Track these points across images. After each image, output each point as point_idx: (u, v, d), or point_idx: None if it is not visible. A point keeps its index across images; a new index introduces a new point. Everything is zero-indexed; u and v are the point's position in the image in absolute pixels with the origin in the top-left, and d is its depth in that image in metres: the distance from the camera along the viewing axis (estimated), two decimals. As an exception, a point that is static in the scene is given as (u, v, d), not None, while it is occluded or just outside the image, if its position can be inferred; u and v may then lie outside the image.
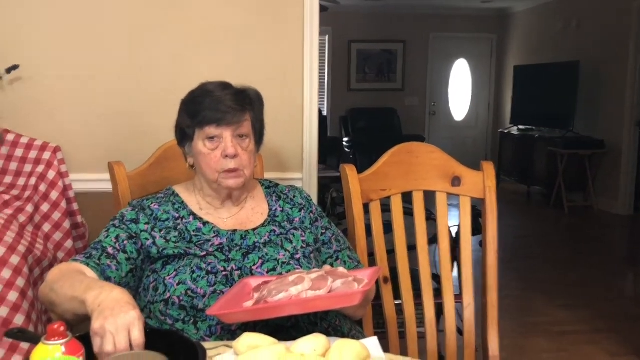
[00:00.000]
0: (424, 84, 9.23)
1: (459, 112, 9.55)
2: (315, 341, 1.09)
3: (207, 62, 2.29)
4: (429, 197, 1.80)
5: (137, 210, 1.44)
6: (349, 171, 1.75)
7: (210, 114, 1.40)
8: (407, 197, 1.80)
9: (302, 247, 1.47)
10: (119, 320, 1.01)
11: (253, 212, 1.52)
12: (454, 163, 1.81)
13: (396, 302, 1.74)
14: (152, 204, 1.46)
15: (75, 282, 1.18)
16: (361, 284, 1.22)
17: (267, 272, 1.40)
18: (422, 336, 1.73)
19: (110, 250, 1.35)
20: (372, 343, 1.15)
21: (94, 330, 1.00)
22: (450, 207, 1.79)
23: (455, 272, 1.92)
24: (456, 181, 1.79)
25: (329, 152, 6.69)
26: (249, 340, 1.10)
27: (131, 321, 1.03)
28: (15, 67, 2.18)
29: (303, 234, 1.50)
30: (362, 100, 8.88)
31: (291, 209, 1.55)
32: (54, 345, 0.77)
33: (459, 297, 1.78)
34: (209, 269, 1.36)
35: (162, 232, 1.40)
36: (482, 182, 1.79)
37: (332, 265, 1.54)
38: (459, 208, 1.79)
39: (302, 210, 1.56)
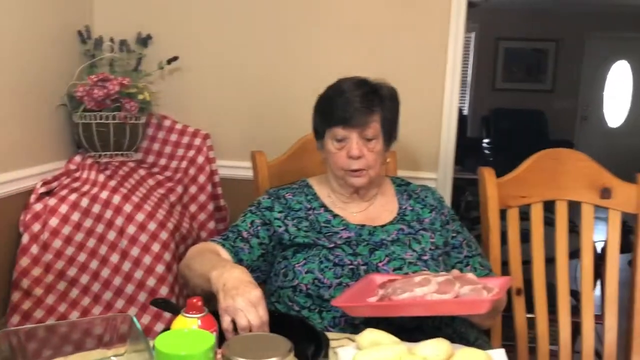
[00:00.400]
0: (576, 86, 8.60)
1: (615, 118, 8.79)
2: (438, 346, 1.07)
3: (350, 55, 2.32)
4: (573, 209, 1.68)
5: (272, 198, 1.50)
6: (487, 175, 1.69)
7: (338, 115, 1.43)
8: (548, 207, 1.70)
9: (430, 249, 1.44)
10: (246, 297, 1.07)
11: (382, 209, 1.53)
12: (605, 173, 1.68)
13: (528, 316, 1.65)
14: (286, 193, 1.52)
15: (204, 260, 1.27)
16: (491, 292, 1.17)
17: (393, 271, 1.39)
18: (554, 354, 1.63)
19: (244, 234, 1.43)
20: (498, 355, 1.11)
21: (223, 307, 1.07)
22: (596, 221, 1.66)
23: (597, 291, 1.78)
24: (606, 193, 1.66)
25: (467, 153, 6.47)
26: (372, 336, 1.11)
27: (257, 300, 1.08)
28: (175, 59, 2.37)
29: (432, 235, 1.48)
30: (507, 100, 8.47)
31: (421, 209, 1.53)
32: (191, 318, 0.83)
33: (599, 318, 1.65)
34: (336, 260, 1.38)
35: (294, 221, 1.45)
36: (636, 196, 1.64)
37: (461, 270, 1.49)
38: (607, 222, 1.65)
39: (433, 212, 1.53)
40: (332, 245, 1.41)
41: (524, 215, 1.70)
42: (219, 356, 0.77)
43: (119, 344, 1.03)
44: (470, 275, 1.25)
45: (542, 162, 1.70)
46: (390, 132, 1.49)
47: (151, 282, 2.02)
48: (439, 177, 2.37)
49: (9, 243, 2.05)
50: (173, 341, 0.75)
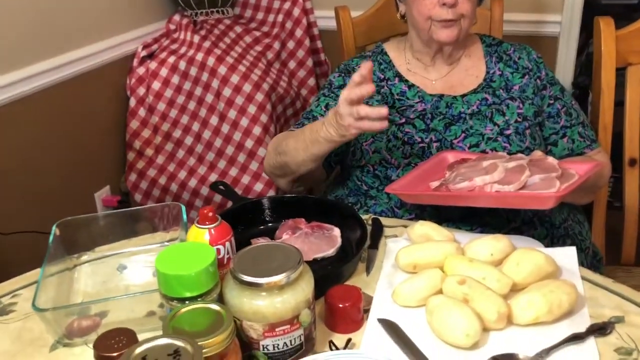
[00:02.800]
0: None
1: None
2: (494, 244, 0.97)
3: None
4: None
5: (343, 75, 1.38)
6: (604, 25, 1.40)
7: None
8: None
9: (515, 121, 1.27)
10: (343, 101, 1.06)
11: (467, 74, 1.35)
12: None
13: None
14: (357, 64, 1.39)
15: (298, 135, 1.24)
16: (567, 181, 1.02)
17: (469, 148, 1.26)
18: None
19: (320, 119, 1.34)
20: (566, 254, 0.99)
21: (347, 126, 1.07)
22: None
23: None
24: None
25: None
26: (423, 229, 1.03)
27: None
28: None
29: (521, 105, 1.29)
30: None
31: (512, 73, 1.32)
32: (202, 229, 0.82)
33: None
34: (406, 139, 1.27)
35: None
36: None
37: (556, 143, 1.32)
38: None
39: (526, 76, 1.32)
40: (402, 121, 1.29)
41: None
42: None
43: (175, 227, 1.09)
44: (551, 160, 1.09)
45: (680, 6, 1.37)
46: None
47: (249, 143, 2.07)
48: (565, 22, 2.04)
49: (119, 107, 2.18)
50: (174, 257, 0.75)
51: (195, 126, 2.12)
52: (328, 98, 1.37)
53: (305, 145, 1.20)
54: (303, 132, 1.23)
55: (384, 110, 1.04)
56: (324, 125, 1.15)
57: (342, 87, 1.36)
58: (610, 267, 1.46)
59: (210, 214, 0.81)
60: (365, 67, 1.04)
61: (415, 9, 1.28)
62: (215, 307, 0.72)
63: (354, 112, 1.06)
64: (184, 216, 1.03)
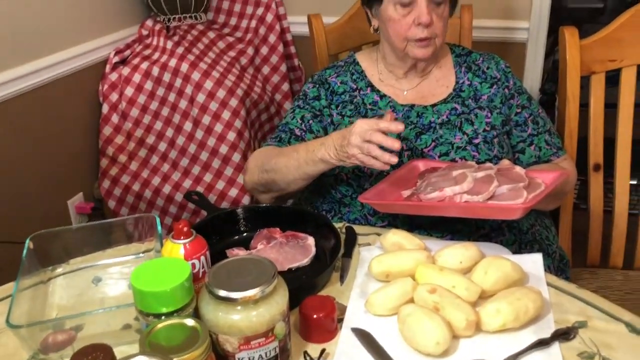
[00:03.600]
0: None
1: None
2: (463, 252, 1.00)
3: None
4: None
5: (317, 86, 1.40)
6: (569, 35, 1.44)
7: None
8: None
9: (484, 130, 1.30)
10: (356, 133, 1.07)
11: (437, 84, 1.38)
12: None
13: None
14: (330, 76, 1.41)
15: (290, 153, 1.25)
16: (534, 191, 1.05)
17: (439, 157, 1.29)
18: (631, 239, 1.49)
19: (297, 132, 1.35)
20: (533, 261, 1.02)
21: (350, 156, 1.09)
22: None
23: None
24: None
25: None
26: (395, 238, 1.06)
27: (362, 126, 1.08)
28: None
29: (489, 114, 1.32)
30: None
31: (481, 83, 1.36)
32: (177, 244, 0.83)
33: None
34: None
35: (338, 108, 1.36)
36: None
37: (523, 150, 1.35)
38: None
39: (495, 86, 1.36)
40: (375, 130, 1.32)
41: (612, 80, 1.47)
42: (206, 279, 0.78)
43: (150, 238, 1.09)
44: (518, 170, 1.12)
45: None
46: None
47: (223, 149, 2.07)
48: (532, 27, 2.09)
49: (92, 113, 2.17)
50: (149, 274, 0.76)
51: (169, 132, 2.12)
52: (303, 110, 1.38)
53: (297, 164, 1.22)
54: (296, 151, 1.24)
55: (397, 145, 1.06)
56: (322, 146, 1.17)
57: (316, 98, 1.38)
58: (576, 270, 1.51)
59: (185, 228, 0.83)
60: (397, 127, 1.07)
61: (391, 28, 1.31)
62: (191, 322, 0.73)
63: (364, 147, 1.07)
64: (159, 227, 1.04)
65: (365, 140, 1.07)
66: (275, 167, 1.26)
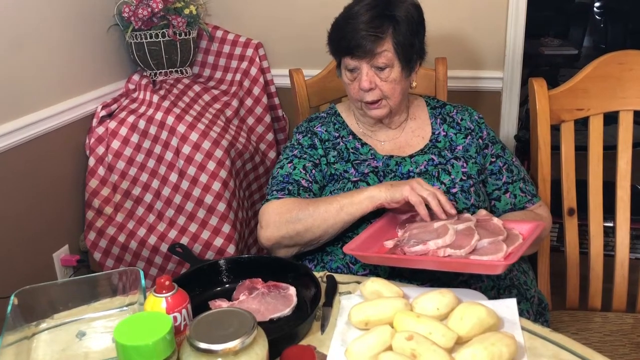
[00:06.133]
0: None
1: None
2: (440, 299, 1.03)
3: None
4: None
5: (309, 135, 1.44)
6: (537, 86, 1.51)
7: (344, 44, 1.30)
8: (610, 120, 1.52)
9: (461, 180, 1.35)
10: (409, 184, 1.21)
11: (413, 135, 1.43)
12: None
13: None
14: (315, 126, 1.46)
15: (328, 199, 1.28)
16: (513, 244, 1.09)
17: (418, 205, 1.33)
18: (608, 280, 1.53)
19: (304, 183, 1.37)
20: (507, 306, 1.05)
21: (412, 200, 1.19)
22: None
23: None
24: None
25: (575, 21, 5.84)
26: (374, 286, 1.08)
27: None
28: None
29: (465, 164, 1.38)
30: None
31: (455, 134, 1.42)
32: (159, 298, 0.85)
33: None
34: (360, 195, 1.34)
35: (328, 157, 1.41)
36: None
37: (499, 198, 1.40)
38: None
39: (469, 136, 1.41)
40: (356, 179, 1.36)
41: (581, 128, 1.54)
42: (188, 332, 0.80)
43: (134, 290, 1.11)
44: (496, 221, 1.17)
45: (603, 68, 1.49)
46: (408, 57, 1.35)
47: (208, 199, 2.10)
48: (506, 76, 2.18)
49: (79, 166, 2.20)
50: (132, 328, 0.78)
51: (155, 183, 2.15)
52: (303, 160, 1.40)
53: (339, 206, 1.25)
54: (334, 198, 1.28)
55: (453, 212, 1.20)
56: (369, 187, 1.27)
57: (312, 146, 1.42)
58: (556, 312, 1.54)
59: (167, 282, 0.85)
60: (450, 210, 1.21)
61: (347, 91, 1.40)
62: (172, 374, 0.75)
63: (417, 201, 1.19)
64: (143, 281, 1.06)
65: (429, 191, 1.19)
66: (314, 213, 1.26)
